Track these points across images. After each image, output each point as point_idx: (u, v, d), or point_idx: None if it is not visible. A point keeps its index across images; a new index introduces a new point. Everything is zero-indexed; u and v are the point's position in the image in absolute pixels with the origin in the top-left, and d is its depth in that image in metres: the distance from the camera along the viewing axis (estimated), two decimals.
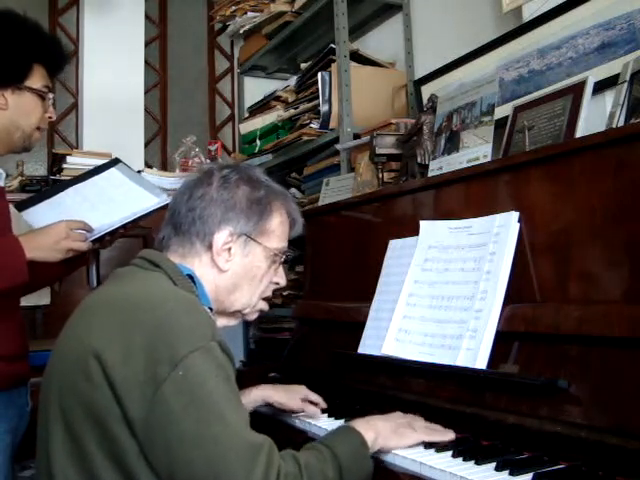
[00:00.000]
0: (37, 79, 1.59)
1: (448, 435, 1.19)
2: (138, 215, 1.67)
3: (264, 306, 1.34)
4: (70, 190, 1.77)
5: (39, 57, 1.60)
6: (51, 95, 1.62)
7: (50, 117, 1.65)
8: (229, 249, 1.23)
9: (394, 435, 1.15)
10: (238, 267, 1.25)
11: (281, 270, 1.34)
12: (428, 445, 1.16)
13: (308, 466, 1.01)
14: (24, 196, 2.49)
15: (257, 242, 1.26)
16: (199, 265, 1.23)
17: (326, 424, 1.39)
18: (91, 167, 2.66)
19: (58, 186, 1.83)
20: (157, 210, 1.69)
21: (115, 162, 1.89)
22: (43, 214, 1.66)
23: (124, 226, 1.68)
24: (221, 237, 1.22)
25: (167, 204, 1.65)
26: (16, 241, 1.46)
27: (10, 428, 1.52)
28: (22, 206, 1.71)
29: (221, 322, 1.30)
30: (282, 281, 1.35)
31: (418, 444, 1.17)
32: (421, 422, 1.23)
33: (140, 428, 0.97)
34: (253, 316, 1.34)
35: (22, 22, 1.61)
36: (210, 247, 1.23)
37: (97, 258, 2.42)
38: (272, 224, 1.28)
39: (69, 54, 1.73)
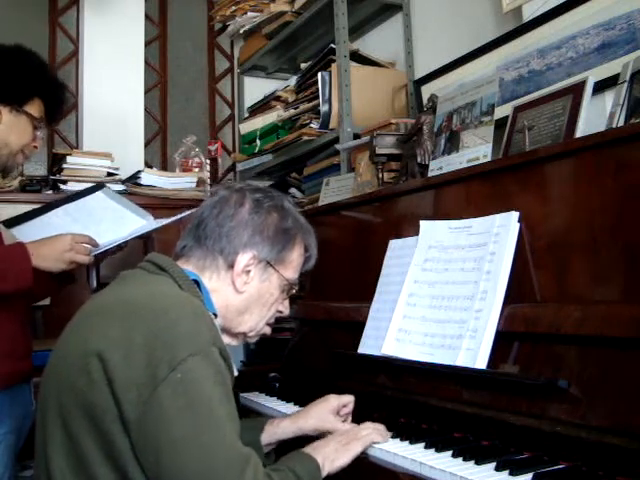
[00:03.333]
0: (35, 109, 1.68)
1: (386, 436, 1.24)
2: (134, 235, 1.76)
3: (267, 330, 1.35)
4: (59, 210, 1.85)
5: (42, 93, 1.70)
6: (42, 126, 1.71)
7: (35, 147, 1.72)
8: (248, 272, 1.25)
9: (337, 456, 1.18)
10: (253, 291, 1.27)
11: (286, 301, 1.36)
12: (428, 445, 1.16)
13: None
14: (24, 196, 2.51)
15: (275, 270, 1.28)
16: (217, 280, 1.25)
17: None
18: (90, 167, 2.70)
19: (46, 206, 1.90)
20: (152, 231, 1.79)
21: (100, 186, 1.98)
22: (32, 232, 1.72)
23: (119, 245, 1.75)
24: (244, 259, 1.24)
25: (161, 226, 1.76)
26: (23, 247, 1.53)
27: (15, 428, 1.55)
28: (11, 223, 1.76)
29: (224, 340, 1.30)
30: (286, 311, 1.37)
31: (418, 443, 1.18)
32: (365, 428, 1.25)
33: (134, 428, 0.97)
34: (255, 339, 1.35)
35: (38, 60, 1.74)
36: (231, 266, 1.24)
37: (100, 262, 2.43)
38: (292, 255, 1.30)
39: (67, 110, 1.85)
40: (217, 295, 1.24)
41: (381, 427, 1.26)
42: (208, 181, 2.88)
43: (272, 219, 1.28)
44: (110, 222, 1.79)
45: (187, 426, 0.96)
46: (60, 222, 1.78)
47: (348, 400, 1.38)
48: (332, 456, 1.17)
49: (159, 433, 0.96)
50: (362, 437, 1.23)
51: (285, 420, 1.39)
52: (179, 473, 0.96)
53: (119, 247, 1.76)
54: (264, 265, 1.27)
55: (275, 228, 1.27)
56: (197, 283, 1.21)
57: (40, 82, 1.69)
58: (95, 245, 1.66)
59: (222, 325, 1.27)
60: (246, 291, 1.26)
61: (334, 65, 2.50)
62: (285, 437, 1.37)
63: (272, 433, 1.36)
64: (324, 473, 1.14)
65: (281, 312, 1.35)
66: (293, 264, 1.31)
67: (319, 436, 1.29)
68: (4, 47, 1.68)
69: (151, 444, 0.97)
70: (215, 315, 1.22)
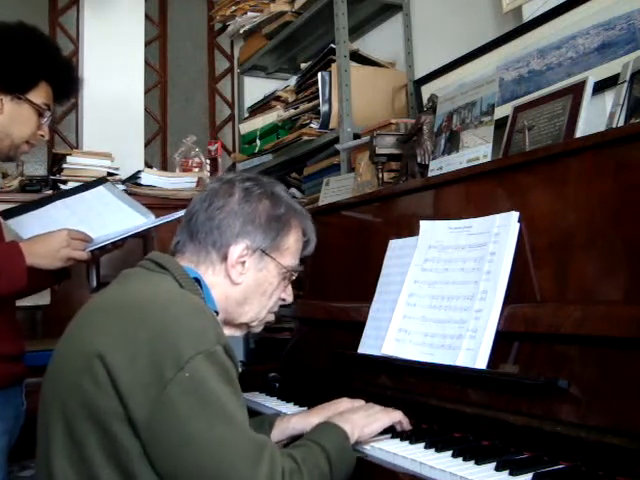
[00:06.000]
0: (40, 95, 1.59)
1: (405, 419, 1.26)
2: (133, 232, 1.69)
3: (271, 318, 1.35)
4: (58, 203, 1.79)
5: (48, 76, 1.61)
6: (49, 114, 1.63)
7: (42, 135, 1.65)
8: (243, 262, 1.24)
9: (367, 422, 1.20)
10: (250, 281, 1.25)
11: (289, 287, 1.35)
12: (428, 445, 1.16)
13: (305, 462, 1.04)
14: (24, 196, 2.51)
15: (272, 258, 1.26)
16: (212, 274, 1.24)
17: None
18: (90, 167, 2.70)
19: (45, 198, 1.86)
20: (150, 229, 1.73)
21: (102, 181, 1.93)
22: (30, 224, 1.68)
23: (114, 243, 1.69)
24: (237, 250, 1.23)
25: (159, 224, 1.70)
26: (17, 247, 1.47)
27: (7, 429, 1.53)
28: (8, 214, 1.72)
29: (227, 332, 1.30)
30: (289, 298, 1.35)
31: (418, 443, 1.18)
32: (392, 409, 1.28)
33: (144, 429, 0.97)
34: (259, 329, 1.35)
35: (41, 39, 1.65)
36: (225, 258, 1.23)
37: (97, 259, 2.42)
38: (288, 242, 1.29)
39: (80, 83, 1.74)
40: (215, 289, 1.23)
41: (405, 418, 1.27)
42: (208, 181, 2.88)
43: (263, 206, 1.26)
44: (109, 218, 1.73)
45: (199, 422, 0.97)
46: (58, 215, 1.73)
47: (360, 405, 1.36)
48: (362, 423, 1.18)
49: (173, 432, 0.96)
50: (389, 411, 1.24)
51: (295, 416, 1.37)
52: (196, 469, 0.96)
53: (115, 244, 1.70)
54: (259, 254, 1.25)
55: (267, 215, 1.25)
56: (198, 281, 1.20)
57: (45, 65, 1.60)
58: (89, 241, 1.60)
59: (224, 318, 1.26)
60: (243, 282, 1.24)
61: (334, 65, 2.50)
62: (295, 433, 1.34)
63: (283, 429, 1.34)
64: (353, 440, 1.15)
65: (284, 300, 1.34)
66: (291, 250, 1.29)
67: None
68: (3, 27, 1.58)
69: (165, 443, 0.97)
70: (217, 313, 1.21)
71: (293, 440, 1.32)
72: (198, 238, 1.24)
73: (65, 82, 1.68)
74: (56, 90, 1.65)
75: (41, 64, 1.59)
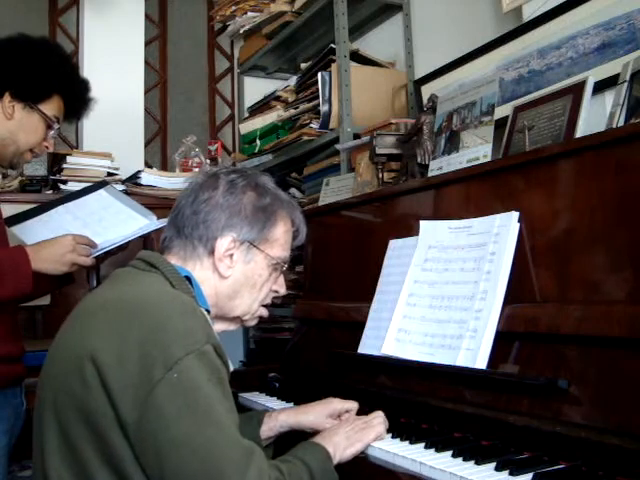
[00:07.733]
0: (51, 107, 1.62)
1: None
2: (137, 235, 1.70)
3: (264, 312, 1.33)
4: (60, 208, 1.80)
5: (62, 91, 1.64)
6: (57, 126, 1.64)
7: (47, 147, 1.67)
8: (231, 255, 1.22)
9: (348, 444, 1.19)
10: (239, 274, 1.24)
11: (281, 279, 1.33)
12: (428, 445, 1.16)
13: (290, 475, 1.04)
14: (24, 196, 2.52)
15: (260, 250, 1.24)
16: (200, 269, 1.22)
17: None
18: (90, 167, 2.70)
19: (47, 204, 1.85)
20: (154, 231, 1.72)
21: (103, 184, 1.94)
22: (34, 230, 1.68)
23: (120, 246, 1.70)
24: (224, 243, 1.21)
25: (164, 226, 1.70)
26: (23, 251, 1.49)
27: (6, 429, 1.53)
28: (11, 221, 1.72)
29: (221, 327, 1.30)
30: (282, 290, 1.34)
31: (418, 443, 1.18)
32: (377, 417, 1.27)
33: (133, 430, 0.96)
34: (252, 322, 1.33)
35: (61, 55, 1.69)
36: (212, 252, 1.21)
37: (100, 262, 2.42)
38: (276, 233, 1.27)
39: (90, 106, 1.77)
40: (205, 284, 1.22)
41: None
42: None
43: (248, 198, 1.24)
44: (112, 221, 1.74)
45: (187, 424, 0.96)
46: (61, 220, 1.74)
47: (351, 407, 1.35)
48: (343, 444, 1.18)
49: (159, 433, 0.95)
50: (375, 426, 1.23)
51: (283, 413, 1.38)
52: (183, 472, 0.95)
53: (120, 247, 1.71)
54: (246, 246, 1.23)
55: (253, 207, 1.23)
56: (189, 279, 1.19)
57: (61, 80, 1.63)
58: (94, 246, 1.61)
59: (216, 313, 1.25)
60: (231, 275, 1.23)
61: (334, 65, 2.50)
62: (283, 430, 1.35)
63: (272, 426, 1.35)
64: (335, 462, 1.14)
65: (277, 291, 1.33)
66: (280, 241, 1.27)
67: (313, 433, 1.27)
68: (26, 39, 1.61)
69: (152, 445, 0.96)
70: (208, 311, 1.20)
71: (282, 437, 1.33)
72: (184, 233, 1.22)
73: (77, 100, 1.71)
74: (67, 106, 1.67)
75: (57, 78, 1.62)
